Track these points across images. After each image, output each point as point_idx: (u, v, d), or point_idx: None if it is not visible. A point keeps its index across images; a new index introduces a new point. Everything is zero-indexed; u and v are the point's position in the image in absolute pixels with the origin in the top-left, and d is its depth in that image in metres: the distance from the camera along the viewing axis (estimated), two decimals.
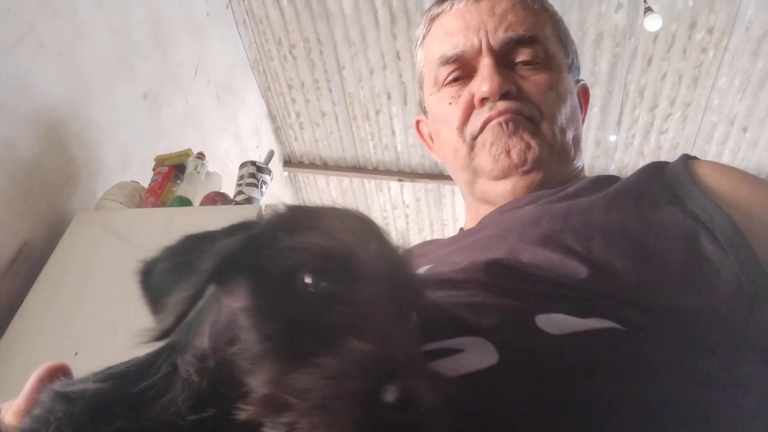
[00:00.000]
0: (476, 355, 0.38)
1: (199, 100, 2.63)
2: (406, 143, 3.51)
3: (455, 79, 0.78)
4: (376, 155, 3.61)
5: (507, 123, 0.71)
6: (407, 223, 3.94)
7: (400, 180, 3.62)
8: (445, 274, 0.51)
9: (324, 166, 3.72)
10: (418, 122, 0.92)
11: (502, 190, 0.73)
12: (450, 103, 0.78)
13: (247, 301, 0.33)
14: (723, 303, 0.44)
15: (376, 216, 3.92)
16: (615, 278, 0.46)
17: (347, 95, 3.34)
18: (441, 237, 3.52)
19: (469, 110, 0.76)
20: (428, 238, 4.43)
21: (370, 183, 3.74)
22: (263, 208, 1.62)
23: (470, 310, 0.42)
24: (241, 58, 3.13)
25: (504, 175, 0.73)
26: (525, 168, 0.71)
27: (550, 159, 0.73)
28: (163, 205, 1.73)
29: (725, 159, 3.38)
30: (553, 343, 0.40)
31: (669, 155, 3.43)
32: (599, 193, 0.59)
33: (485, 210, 0.76)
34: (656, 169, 0.62)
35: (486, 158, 0.73)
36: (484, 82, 0.73)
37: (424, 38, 0.86)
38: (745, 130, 3.24)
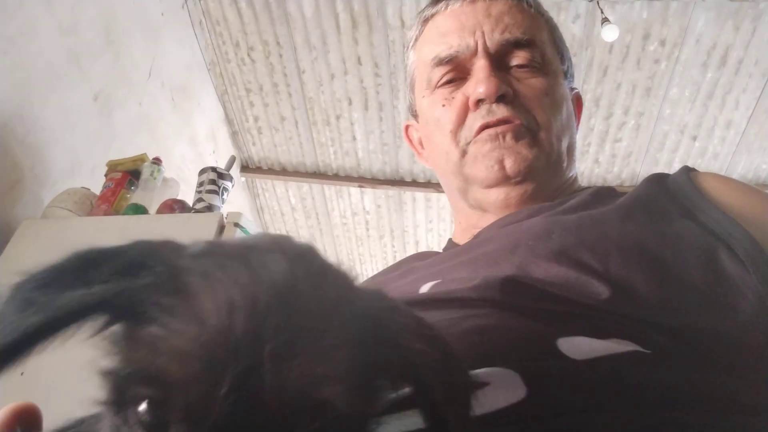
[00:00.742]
0: (503, 390, 0.35)
1: (153, 103, 2.53)
2: (367, 149, 3.48)
3: (449, 81, 0.75)
4: (337, 161, 3.57)
5: (504, 135, 0.69)
6: (368, 229, 3.91)
7: (360, 186, 3.59)
8: (455, 293, 0.47)
9: (283, 171, 3.65)
10: (407, 127, 0.89)
11: (495, 198, 0.71)
12: (443, 105, 0.75)
13: None
14: (745, 324, 0.42)
15: (335, 223, 3.88)
16: (636, 298, 0.44)
17: (307, 100, 3.29)
18: (402, 244, 3.49)
19: (464, 113, 0.73)
20: (389, 246, 4.42)
21: (330, 189, 3.69)
22: (225, 216, 1.55)
23: (481, 339, 0.39)
24: (197, 60, 3.04)
25: (496, 184, 0.70)
26: (518, 179, 0.69)
27: (544, 169, 0.71)
28: (116, 213, 1.64)
29: (675, 167, 3.46)
30: (579, 371, 0.37)
31: (623, 163, 3.52)
32: (608, 206, 0.57)
33: (478, 218, 0.74)
34: (659, 182, 0.61)
35: (478, 167, 0.71)
36: (479, 83, 0.70)
37: (416, 40, 0.83)
38: (694, 138, 3.35)
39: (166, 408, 0.25)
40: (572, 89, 0.82)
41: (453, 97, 0.74)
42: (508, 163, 0.69)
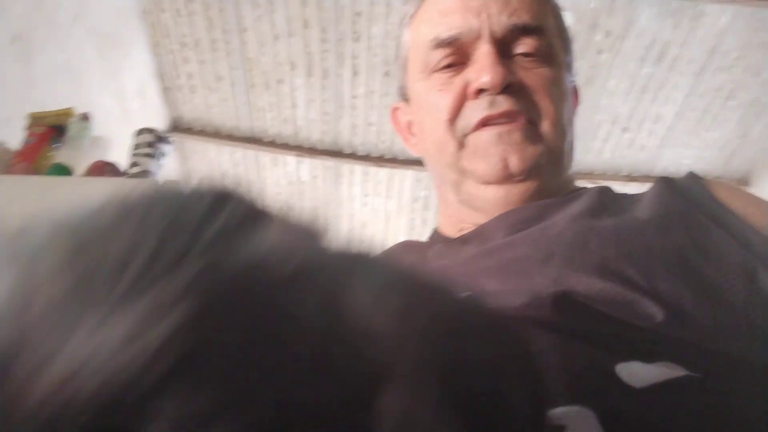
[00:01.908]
0: None
1: (78, 50, 2.30)
2: (307, 117, 3.36)
3: (447, 65, 0.69)
4: (274, 127, 3.43)
5: (510, 134, 0.64)
6: (302, 200, 3.81)
7: (298, 155, 3.47)
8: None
9: (216, 134, 3.47)
10: (395, 109, 0.83)
11: (493, 195, 0.66)
12: (440, 90, 0.69)
13: None
14: None
15: (269, 192, 3.75)
16: (686, 320, 0.42)
17: (247, 60, 3.11)
18: (337, 216, 3.45)
19: (461, 101, 0.67)
20: (323, 217, 4.47)
21: (265, 156, 3.55)
22: (161, 183, 1.43)
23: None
24: (128, 7, 2.78)
25: (496, 182, 0.66)
26: (521, 177, 0.65)
27: (548, 166, 0.67)
28: (37, 172, 1.47)
29: (606, 156, 3.62)
30: (643, 402, 0.35)
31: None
32: (636, 213, 0.54)
33: (466, 214, 0.69)
34: (676, 188, 0.58)
35: (478, 162, 0.66)
36: (484, 71, 0.64)
37: (412, 17, 0.76)
38: (625, 130, 3.48)
39: None
40: (571, 82, 0.79)
41: (451, 83, 0.68)
42: (513, 161, 0.64)
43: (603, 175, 3.71)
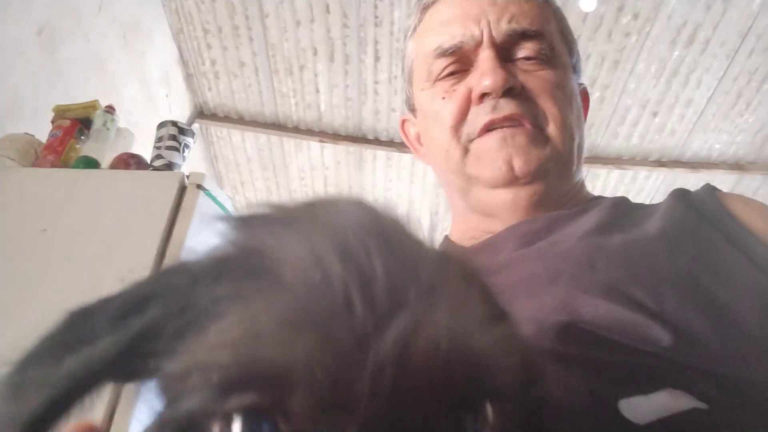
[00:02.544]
0: None
1: (103, 40, 2.32)
2: (330, 103, 3.35)
3: (451, 74, 0.70)
4: (298, 113, 3.43)
5: (514, 137, 0.64)
6: (326, 185, 3.82)
7: (321, 141, 3.47)
8: None
9: (240, 120, 3.48)
10: (403, 122, 0.83)
11: (502, 199, 0.66)
12: (443, 98, 0.69)
13: None
14: None
15: (293, 177, 3.77)
16: (695, 344, 0.41)
17: (270, 46, 3.11)
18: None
19: (466, 107, 0.68)
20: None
21: (289, 142, 3.56)
22: (186, 176, 1.45)
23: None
24: None
25: (503, 185, 0.65)
26: (527, 179, 0.65)
27: (555, 169, 0.66)
28: (64, 165, 1.50)
29: (634, 141, 3.54)
30: None
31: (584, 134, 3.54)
32: (646, 229, 0.53)
33: (479, 221, 0.69)
34: (690, 203, 0.57)
35: (483, 167, 0.66)
36: (485, 75, 0.65)
37: (415, 29, 0.77)
38: (655, 114, 3.39)
39: (289, 413, 0.18)
40: (580, 84, 0.78)
41: (454, 90, 0.69)
42: (518, 163, 0.64)
43: (631, 160, 3.64)
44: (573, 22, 2.90)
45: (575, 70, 0.74)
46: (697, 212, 0.55)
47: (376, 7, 2.87)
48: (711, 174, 3.64)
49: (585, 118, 0.77)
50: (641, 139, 3.53)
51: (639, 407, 0.36)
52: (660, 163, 3.65)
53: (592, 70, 3.16)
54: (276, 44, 3.09)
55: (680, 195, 0.60)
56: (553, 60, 0.69)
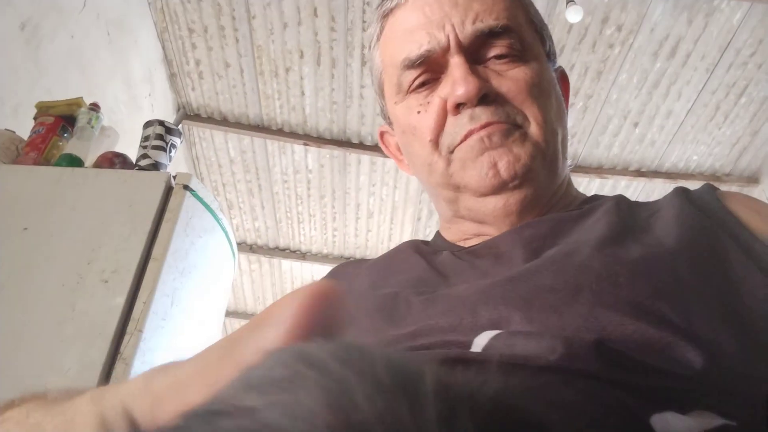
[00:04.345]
0: None
1: (87, 37, 2.28)
2: (315, 106, 3.34)
3: (422, 84, 0.67)
4: (282, 116, 3.41)
5: (490, 137, 0.63)
6: (309, 189, 3.80)
7: (305, 144, 3.46)
8: (530, 358, 0.41)
9: (224, 121, 3.45)
10: (382, 134, 0.81)
11: (492, 207, 0.64)
12: (419, 112, 0.67)
13: None
14: None
15: (276, 179, 3.74)
16: (724, 364, 0.40)
17: (256, 47, 3.09)
18: (343, 206, 3.43)
19: (442, 119, 0.65)
20: (329, 206, 4.38)
21: (272, 144, 3.54)
22: (173, 177, 1.43)
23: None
24: None
25: (492, 192, 0.64)
26: (515, 182, 0.63)
27: (542, 168, 0.64)
28: (47, 163, 1.47)
29: (615, 151, 3.60)
30: None
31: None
32: (660, 235, 0.52)
33: (473, 227, 0.67)
34: (691, 201, 0.57)
35: (469, 174, 0.63)
36: (457, 84, 0.62)
37: (378, 39, 0.73)
38: (635, 125, 3.45)
39: None
40: (556, 69, 0.76)
41: (428, 102, 0.66)
42: (502, 166, 0.62)
43: (612, 170, 3.69)
44: (558, 32, 2.95)
45: (550, 57, 0.72)
46: (705, 214, 0.55)
47: (364, 11, 2.88)
48: (688, 184, 3.68)
49: (567, 102, 0.75)
50: (621, 148, 3.58)
51: (669, 424, 0.35)
52: (639, 173, 3.71)
53: (575, 80, 3.20)
54: (262, 46, 3.08)
55: (683, 194, 0.59)
56: (525, 54, 0.66)
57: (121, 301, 1.22)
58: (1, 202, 1.35)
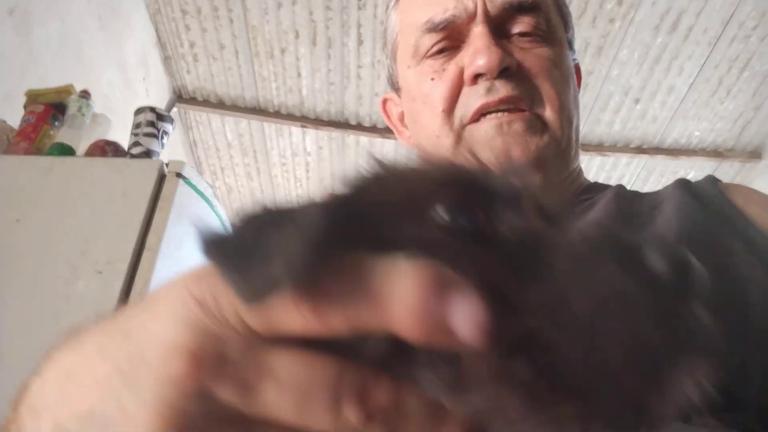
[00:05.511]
0: None
1: (79, 22, 2.25)
2: (312, 87, 3.30)
3: (440, 51, 0.65)
4: (279, 97, 3.37)
5: (510, 124, 0.61)
6: (308, 171, 3.78)
7: (303, 126, 3.43)
8: None
9: (220, 104, 3.42)
10: (385, 101, 0.78)
11: None
12: (432, 79, 0.64)
13: None
14: None
15: (274, 162, 3.72)
16: (737, 374, 0.39)
17: (250, 28, 3.04)
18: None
19: (457, 88, 0.63)
20: (329, 189, 4.46)
21: (270, 127, 3.50)
22: (165, 164, 1.41)
23: None
24: None
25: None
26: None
27: (553, 157, 0.62)
28: (38, 152, 1.46)
29: (616, 128, 3.56)
30: None
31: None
32: (665, 232, 0.51)
33: None
34: (693, 194, 0.55)
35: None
36: (479, 54, 0.60)
37: None
38: (637, 101, 3.41)
39: None
40: (573, 60, 0.74)
41: (444, 69, 0.64)
42: (516, 154, 0.61)
43: (613, 147, 3.66)
44: None
45: (570, 46, 0.71)
46: (706, 207, 0.53)
47: (384, 14, 2.83)
48: (690, 161, 3.68)
49: (578, 95, 0.74)
50: (623, 125, 3.54)
51: None
52: (641, 150, 3.68)
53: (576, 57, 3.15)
54: (257, 26, 3.03)
55: (684, 186, 0.58)
56: (550, 36, 0.65)
57: (116, 291, 1.21)
58: None
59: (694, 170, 3.70)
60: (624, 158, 3.73)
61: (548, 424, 0.19)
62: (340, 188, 0.25)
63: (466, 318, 0.18)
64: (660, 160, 3.69)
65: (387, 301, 0.19)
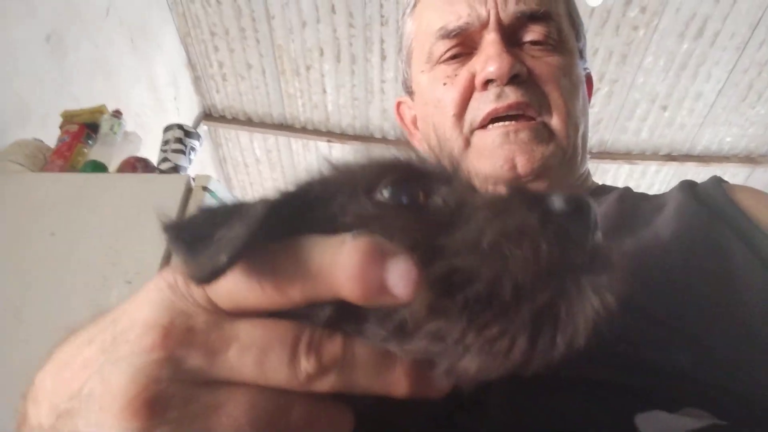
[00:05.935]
0: None
1: (111, 45, 2.35)
2: (337, 103, 3.36)
3: (453, 57, 0.67)
4: (305, 114, 3.44)
5: (517, 133, 0.62)
6: None
7: (329, 141, 3.48)
8: None
9: (248, 122, 3.50)
10: (399, 104, 0.81)
11: None
12: (445, 84, 0.66)
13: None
14: None
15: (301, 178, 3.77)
16: (713, 361, 0.39)
17: (276, 47, 3.12)
18: None
19: (468, 93, 0.64)
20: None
21: (297, 142, 3.57)
22: (192, 179, 1.46)
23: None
24: None
25: (504, 183, 0.63)
26: (530, 178, 0.62)
27: (559, 166, 0.64)
28: (73, 169, 1.52)
29: (644, 136, 3.51)
30: None
31: (592, 130, 3.51)
32: (657, 230, 0.51)
33: None
34: (695, 195, 0.55)
35: (483, 163, 0.63)
36: (490, 60, 0.62)
37: (414, 5, 0.73)
38: (664, 109, 3.36)
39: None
40: (584, 70, 0.75)
41: (456, 75, 0.66)
42: (520, 162, 0.62)
43: (641, 155, 3.61)
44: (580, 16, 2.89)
45: (581, 55, 0.72)
46: (708, 208, 0.53)
47: (381, 6, 2.87)
48: (722, 167, 3.60)
49: (588, 104, 0.75)
50: (650, 133, 3.50)
51: (655, 423, 0.35)
52: (670, 158, 3.62)
53: (600, 65, 3.14)
54: (282, 45, 3.10)
55: (688, 188, 0.58)
56: (561, 45, 0.66)
57: None
58: (29, 208, 1.40)
59: (727, 177, 3.60)
60: (653, 166, 3.67)
61: (482, 346, 0.22)
62: (289, 186, 0.31)
63: (399, 277, 0.22)
64: (691, 167, 3.63)
65: (333, 272, 0.23)
